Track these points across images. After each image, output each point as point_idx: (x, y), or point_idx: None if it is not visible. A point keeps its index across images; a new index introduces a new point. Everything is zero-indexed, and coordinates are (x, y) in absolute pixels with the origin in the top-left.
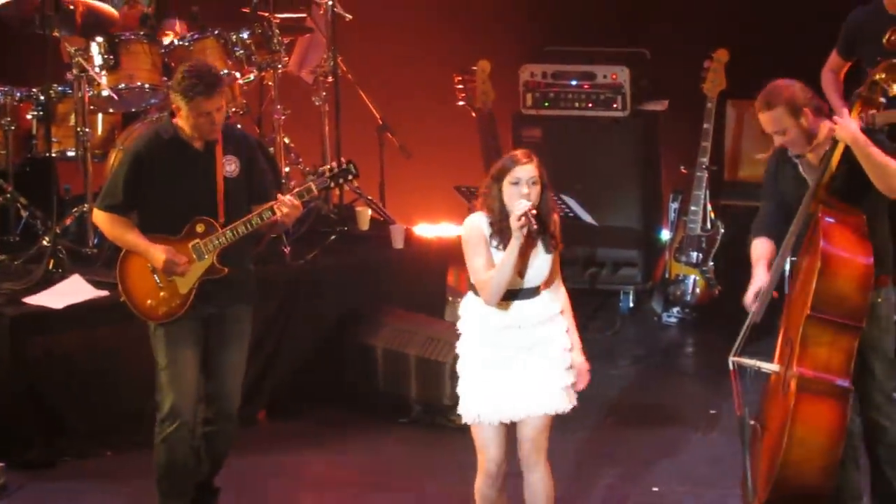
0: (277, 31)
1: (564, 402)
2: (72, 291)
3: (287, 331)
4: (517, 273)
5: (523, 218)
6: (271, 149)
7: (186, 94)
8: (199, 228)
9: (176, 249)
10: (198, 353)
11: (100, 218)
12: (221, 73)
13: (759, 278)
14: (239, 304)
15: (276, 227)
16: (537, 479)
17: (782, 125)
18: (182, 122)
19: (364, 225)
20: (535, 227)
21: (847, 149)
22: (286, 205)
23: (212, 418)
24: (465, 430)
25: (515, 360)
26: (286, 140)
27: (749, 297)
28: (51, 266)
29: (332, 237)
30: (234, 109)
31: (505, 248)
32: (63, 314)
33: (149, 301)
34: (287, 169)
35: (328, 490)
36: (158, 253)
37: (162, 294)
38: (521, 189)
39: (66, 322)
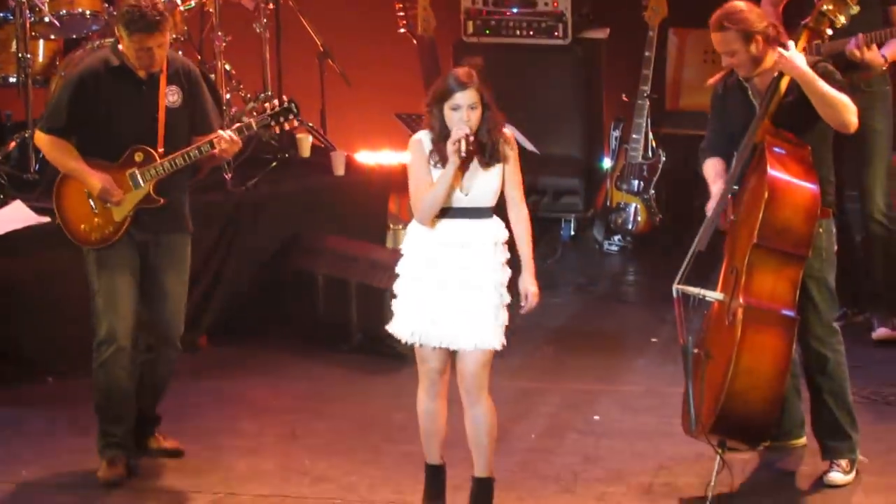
0: None
1: (493, 340)
2: (13, 217)
3: (228, 257)
4: (458, 189)
5: (457, 143)
6: (212, 76)
7: (128, 28)
8: (138, 157)
9: (113, 177)
10: (133, 279)
11: (42, 140)
12: (165, 8)
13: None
14: (174, 233)
15: (215, 159)
16: (478, 414)
17: (731, 47)
18: (125, 50)
19: (305, 152)
20: (471, 150)
21: (794, 79)
22: (225, 140)
23: (152, 345)
24: (406, 357)
25: (450, 284)
26: (227, 67)
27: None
28: None
29: (273, 164)
30: (175, 36)
31: (443, 166)
32: (4, 240)
33: (83, 226)
34: (228, 96)
35: (268, 416)
36: (95, 180)
37: (96, 220)
38: (461, 115)
39: (7, 248)
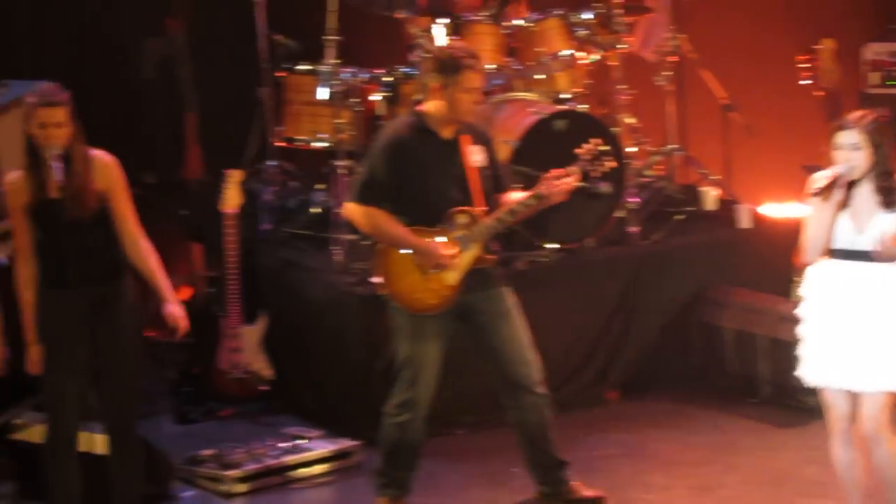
0: (619, 11)
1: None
2: None
3: (635, 311)
4: (856, 231)
5: (817, 188)
6: (617, 129)
7: (457, 68)
8: (462, 219)
9: (441, 242)
10: (443, 348)
11: (357, 212)
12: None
13: None
14: (494, 288)
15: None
16: (882, 455)
17: None
18: (437, 106)
19: (710, 205)
20: (839, 195)
21: None
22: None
23: (515, 396)
24: (815, 410)
25: (851, 326)
26: (630, 120)
27: None
28: None
29: (679, 217)
30: (578, 90)
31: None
32: None
33: (417, 295)
34: (634, 149)
35: (678, 469)
36: (428, 248)
37: (431, 286)
38: (843, 155)
39: None
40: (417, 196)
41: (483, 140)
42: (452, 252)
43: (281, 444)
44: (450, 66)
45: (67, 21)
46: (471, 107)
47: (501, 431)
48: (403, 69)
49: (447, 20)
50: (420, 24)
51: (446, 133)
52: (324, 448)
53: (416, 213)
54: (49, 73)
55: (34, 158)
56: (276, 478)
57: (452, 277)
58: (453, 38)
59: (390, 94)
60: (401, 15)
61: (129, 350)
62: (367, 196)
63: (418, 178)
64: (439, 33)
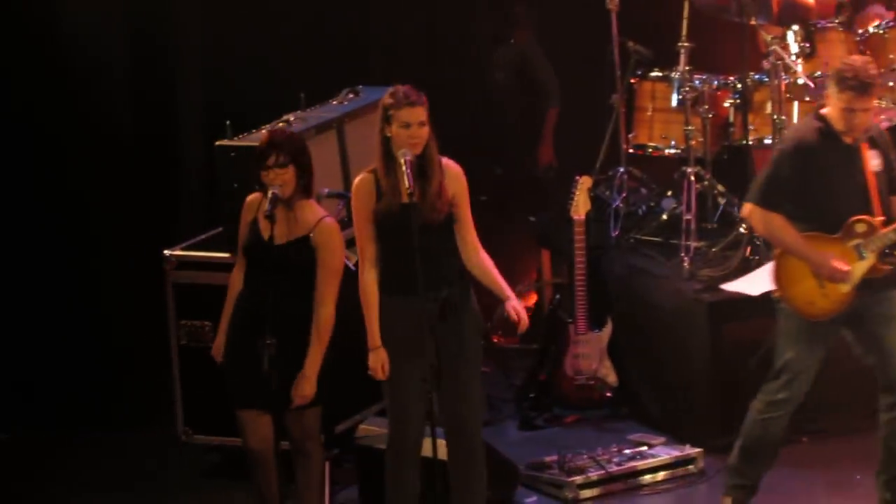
0: None
1: None
2: (769, 278)
3: None
4: None
5: None
6: None
7: (838, 85)
8: (860, 228)
9: (835, 250)
10: (824, 352)
11: (755, 214)
12: (877, 74)
13: None
14: (886, 290)
15: None
16: None
17: None
18: (830, 112)
19: None
20: None
21: None
22: None
23: (891, 401)
24: None
25: None
26: None
27: None
28: (748, 253)
29: None
30: None
31: None
32: (759, 301)
33: (809, 300)
34: None
35: None
36: (821, 261)
37: (824, 291)
38: None
39: (761, 309)
40: (819, 201)
41: (880, 144)
42: (846, 266)
43: (624, 451)
44: (837, 80)
45: (421, 28)
46: (850, 124)
47: (846, 439)
48: (755, 76)
49: (799, 27)
50: (773, 30)
51: (848, 138)
52: (666, 455)
53: (815, 219)
54: (400, 79)
55: (388, 161)
56: (619, 484)
57: (846, 285)
58: (804, 45)
59: (740, 100)
60: (754, 22)
61: (471, 357)
62: (767, 198)
63: (822, 183)
64: (792, 40)
